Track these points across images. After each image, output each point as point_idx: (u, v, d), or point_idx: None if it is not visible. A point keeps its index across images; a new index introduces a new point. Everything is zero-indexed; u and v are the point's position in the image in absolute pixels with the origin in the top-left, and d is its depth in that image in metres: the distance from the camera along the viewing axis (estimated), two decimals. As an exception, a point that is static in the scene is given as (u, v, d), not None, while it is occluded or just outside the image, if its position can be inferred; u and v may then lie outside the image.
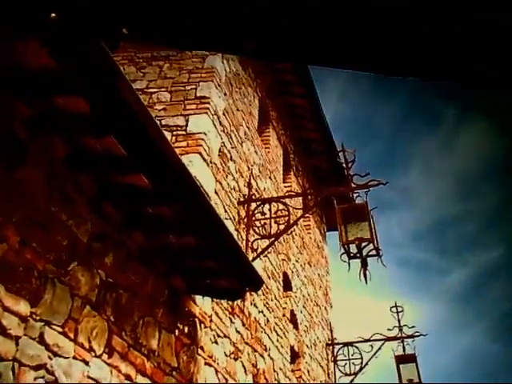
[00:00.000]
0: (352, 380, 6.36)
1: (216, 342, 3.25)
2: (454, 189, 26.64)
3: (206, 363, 3.04)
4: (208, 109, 3.70)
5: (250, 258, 3.61)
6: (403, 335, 6.53)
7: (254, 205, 4.26)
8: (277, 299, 4.81)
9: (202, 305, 3.11)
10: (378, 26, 0.78)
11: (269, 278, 4.61)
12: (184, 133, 3.51)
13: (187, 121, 3.60)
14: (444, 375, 21.40)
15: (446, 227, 26.63)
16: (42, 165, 1.90)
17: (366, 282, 3.60)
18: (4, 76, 1.68)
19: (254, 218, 4.15)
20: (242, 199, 4.20)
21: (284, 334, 4.88)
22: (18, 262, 1.70)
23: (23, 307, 1.68)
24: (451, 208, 26.49)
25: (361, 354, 6.40)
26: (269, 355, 4.31)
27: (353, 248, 3.77)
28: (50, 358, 1.78)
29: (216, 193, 3.60)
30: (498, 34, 0.75)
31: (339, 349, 6.68)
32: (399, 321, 6.70)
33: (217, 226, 2.43)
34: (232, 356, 3.49)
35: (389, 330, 6.59)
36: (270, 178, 5.35)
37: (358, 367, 6.37)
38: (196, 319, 3.00)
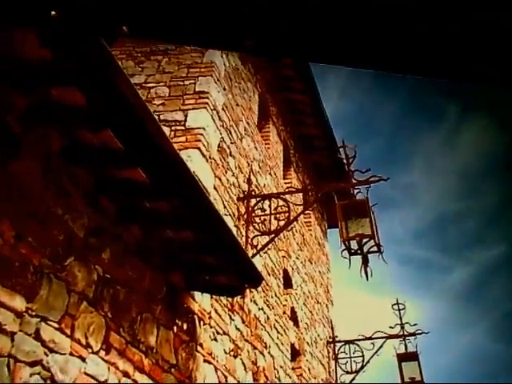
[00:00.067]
0: (353, 378, 6.34)
1: (215, 339, 3.23)
2: (456, 186, 26.62)
3: (205, 360, 3.02)
4: (207, 104, 3.67)
5: (250, 255, 3.58)
6: (405, 333, 6.50)
7: (253, 201, 4.24)
8: (277, 296, 4.79)
9: (201, 301, 3.08)
10: (378, 26, 0.78)
11: (269, 274, 4.58)
12: (183, 128, 3.48)
13: (186, 116, 3.57)
14: (445, 374, 21.40)
15: (448, 225, 26.62)
16: (37, 158, 1.88)
17: (367, 279, 3.58)
18: (1, 67, 1.65)
19: (253, 214, 4.12)
20: (241, 195, 4.17)
21: (284, 331, 4.86)
22: (13, 256, 1.68)
23: (19, 303, 1.66)
24: (453, 205, 26.49)
25: (362, 351, 6.38)
26: (269, 353, 4.28)
27: (354, 244, 3.75)
28: (46, 355, 1.76)
29: (215, 188, 3.57)
30: (498, 34, 0.75)
31: (340, 346, 6.67)
32: (401, 318, 6.68)
33: (215, 221, 2.40)
34: (232, 353, 3.47)
35: (390, 327, 6.58)
36: (270, 174, 5.33)
37: (359, 365, 6.35)
38: (195, 316, 2.98)
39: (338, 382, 6.42)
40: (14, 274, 1.66)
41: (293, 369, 5.01)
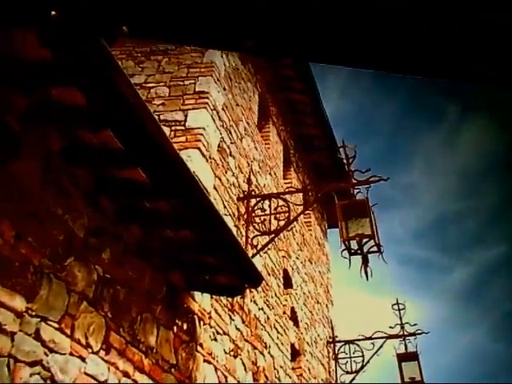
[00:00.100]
0: (353, 378, 6.33)
1: (215, 339, 3.23)
2: (456, 186, 26.62)
3: (205, 360, 3.01)
4: (207, 104, 3.67)
5: (250, 255, 3.58)
6: (405, 333, 6.50)
7: (253, 201, 4.23)
8: (277, 296, 4.78)
9: (201, 301, 3.08)
10: (378, 26, 0.78)
11: (269, 274, 4.58)
12: (183, 128, 3.48)
13: (186, 116, 3.57)
14: (445, 374, 21.38)
15: (448, 225, 26.62)
16: (37, 158, 1.88)
17: (367, 279, 3.58)
18: (1, 67, 1.65)
19: (253, 214, 4.12)
20: (241, 195, 4.17)
21: (284, 331, 4.85)
22: (13, 256, 1.68)
23: (19, 303, 1.66)
24: (453, 205, 26.48)
25: (362, 351, 6.38)
26: (269, 353, 4.28)
27: (354, 244, 3.75)
28: (46, 355, 1.75)
29: (215, 188, 3.57)
30: (498, 34, 0.75)
31: (340, 346, 6.66)
32: (401, 318, 6.67)
33: (215, 221, 2.40)
34: (232, 353, 3.47)
35: (390, 327, 6.57)
36: (270, 174, 5.33)
37: (359, 365, 6.35)
38: (195, 316, 2.98)
39: (338, 382, 6.41)
40: (13, 273, 1.66)
41: (293, 369, 5.01)
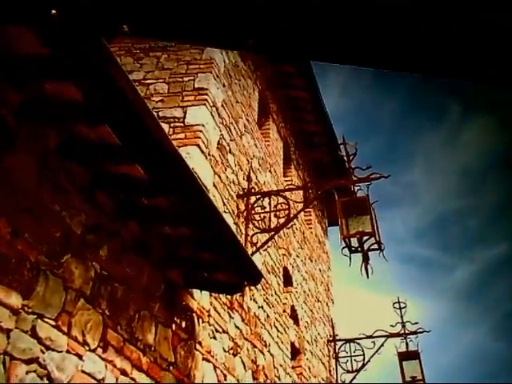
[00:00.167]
0: (354, 377, 6.31)
1: (214, 338, 3.21)
2: (457, 185, 26.59)
3: (204, 359, 3.00)
4: (206, 100, 3.65)
5: (250, 252, 3.56)
6: (406, 331, 6.48)
7: (253, 198, 4.22)
8: (277, 294, 4.77)
9: (200, 299, 3.06)
10: (378, 25, 0.78)
11: (269, 272, 4.56)
12: (182, 125, 3.46)
13: (185, 112, 3.55)
14: (446, 373, 21.35)
15: (449, 223, 26.60)
16: (32, 153, 1.86)
17: (368, 277, 3.56)
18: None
19: (253, 212, 4.10)
20: (241, 192, 4.15)
21: (284, 329, 4.84)
22: (9, 253, 1.66)
23: (15, 299, 1.65)
24: (454, 204, 26.46)
25: (363, 350, 6.35)
26: (269, 351, 4.26)
27: (354, 242, 3.73)
28: (43, 352, 1.74)
29: (214, 186, 3.55)
30: (498, 34, 0.75)
31: (341, 345, 6.64)
32: (402, 317, 6.65)
33: (214, 218, 2.38)
34: (231, 352, 3.45)
35: (391, 326, 6.55)
36: (269, 171, 5.31)
37: (360, 364, 6.32)
38: (194, 314, 2.96)
39: (339, 381, 6.39)
40: (10, 270, 1.65)
41: (293, 367, 4.99)
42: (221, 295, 3.36)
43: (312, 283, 6.35)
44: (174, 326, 2.71)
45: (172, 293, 2.74)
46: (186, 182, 2.16)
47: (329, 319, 6.98)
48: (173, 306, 2.73)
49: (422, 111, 25.18)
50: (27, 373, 1.66)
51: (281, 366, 4.54)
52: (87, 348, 1.97)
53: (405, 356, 6.29)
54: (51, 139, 1.95)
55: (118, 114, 1.82)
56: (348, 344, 6.56)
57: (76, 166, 2.07)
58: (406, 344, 6.41)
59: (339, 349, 6.62)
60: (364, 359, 6.30)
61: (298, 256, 5.80)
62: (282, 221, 3.99)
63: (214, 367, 3.14)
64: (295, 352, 5.16)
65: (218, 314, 3.33)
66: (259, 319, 4.15)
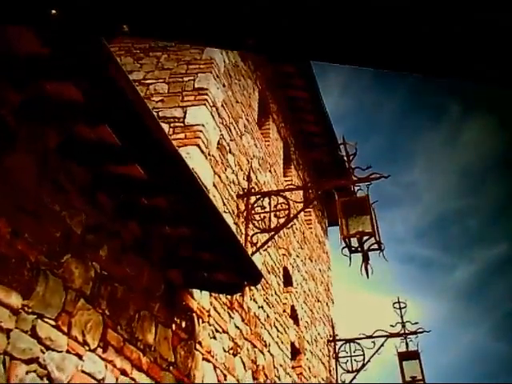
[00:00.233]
0: (354, 377, 6.31)
1: (214, 338, 3.21)
2: (458, 185, 26.58)
3: (204, 359, 3.00)
4: (206, 100, 3.65)
5: (250, 252, 3.56)
6: (406, 331, 6.47)
7: (253, 198, 4.21)
8: (277, 294, 4.76)
9: (200, 299, 3.06)
10: (378, 26, 0.78)
11: (269, 272, 4.56)
12: (182, 125, 3.46)
13: (185, 112, 3.55)
14: (446, 374, 21.34)
15: (450, 223, 26.59)
16: (33, 153, 1.86)
17: (368, 277, 3.56)
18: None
19: (253, 212, 4.10)
20: (241, 192, 4.15)
21: (284, 329, 4.83)
22: (9, 253, 1.66)
23: (15, 299, 1.64)
24: (454, 204, 26.45)
25: (363, 350, 6.35)
26: (269, 351, 4.26)
27: (354, 242, 3.72)
28: (43, 352, 1.74)
29: (214, 186, 3.55)
30: (498, 34, 0.75)
31: (341, 345, 6.64)
32: (402, 317, 6.64)
33: (214, 217, 2.38)
34: (231, 352, 3.45)
35: (391, 326, 6.54)
36: (269, 171, 5.30)
37: (360, 364, 6.32)
38: (194, 314, 2.96)
39: (339, 381, 6.39)
40: (10, 270, 1.65)
41: (293, 367, 4.99)
42: (221, 295, 3.36)
43: (312, 283, 6.35)
44: (173, 326, 2.71)
45: (172, 293, 2.74)
46: (186, 182, 2.16)
47: (329, 319, 6.98)
48: (173, 305, 2.73)
49: (422, 111, 25.18)
50: (27, 373, 1.66)
51: (281, 366, 4.53)
52: (87, 348, 1.97)
53: (405, 356, 6.28)
54: (51, 139, 1.95)
55: (118, 114, 1.82)
56: (348, 344, 6.56)
57: (76, 166, 2.07)
58: (406, 344, 6.40)
59: (339, 349, 6.61)
60: (364, 359, 6.30)
61: (298, 256, 5.80)
62: (281, 221, 3.99)
63: (214, 367, 3.14)
64: (295, 352, 5.15)
65: (218, 314, 3.33)
66: (259, 319, 4.14)
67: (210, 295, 3.21)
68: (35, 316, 1.72)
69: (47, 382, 1.74)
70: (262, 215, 4.21)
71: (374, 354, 6.26)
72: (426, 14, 0.75)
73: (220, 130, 3.89)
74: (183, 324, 2.82)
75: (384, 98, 25.08)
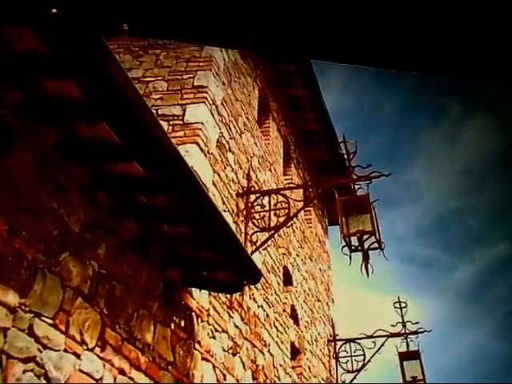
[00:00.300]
0: (354, 377, 6.29)
1: (214, 337, 3.19)
2: (458, 184, 26.58)
3: (203, 358, 2.98)
4: (206, 98, 3.64)
5: (249, 251, 3.55)
6: (407, 331, 6.46)
7: (253, 197, 4.20)
8: (277, 294, 4.75)
9: (199, 298, 3.05)
10: (378, 25, 0.78)
11: (268, 272, 4.54)
12: (181, 122, 3.45)
13: (184, 110, 3.53)
14: (447, 374, 21.33)
15: (450, 223, 26.59)
16: (32, 151, 1.85)
17: (368, 276, 3.54)
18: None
19: (253, 211, 4.08)
20: (240, 191, 4.13)
21: (284, 329, 4.82)
22: (6, 251, 1.65)
23: (12, 298, 1.63)
24: (454, 203, 26.44)
25: (363, 350, 6.33)
26: (268, 351, 4.24)
27: (354, 241, 3.71)
28: (40, 351, 1.73)
29: (214, 184, 3.53)
30: (498, 34, 0.75)
31: (341, 345, 6.62)
32: (403, 317, 6.63)
33: (213, 216, 2.37)
34: (230, 351, 3.43)
35: (392, 326, 6.53)
36: (269, 170, 5.29)
37: (360, 364, 6.30)
38: (193, 313, 2.94)
39: (339, 381, 6.38)
40: (7, 268, 1.64)
41: (293, 367, 4.97)
42: (220, 294, 3.34)
43: (312, 283, 6.33)
44: (172, 325, 2.69)
45: (171, 292, 2.72)
46: (185, 180, 2.14)
47: (329, 319, 6.96)
48: (172, 305, 2.71)
49: (422, 110, 25.16)
50: (24, 372, 1.64)
51: (281, 365, 4.52)
52: (85, 347, 1.95)
53: (405, 356, 6.27)
54: (51, 137, 1.94)
55: (117, 112, 1.81)
56: (348, 344, 6.54)
57: (75, 165, 2.06)
58: (407, 344, 6.39)
59: (339, 349, 6.60)
60: (364, 359, 6.28)
61: (298, 255, 5.79)
62: (281, 220, 3.97)
63: (214, 367, 3.12)
64: (295, 352, 5.14)
65: (218, 313, 3.31)
66: (259, 319, 4.13)
67: (210, 294, 3.20)
68: (32, 315, 1.71)
69: (44, 381, 1.73)
70: (262, 214, 4.19)
71: (375, 353, 6.25)
72: (426, 14, 0.76)
73: (219, 128, 3.87)
74: (182, 323, 2.80)
75: (385, 97, 25.06)
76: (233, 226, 3.59)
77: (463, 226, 25.82)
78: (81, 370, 1.91)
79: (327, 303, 7.08)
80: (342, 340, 6.69)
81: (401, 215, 25.59)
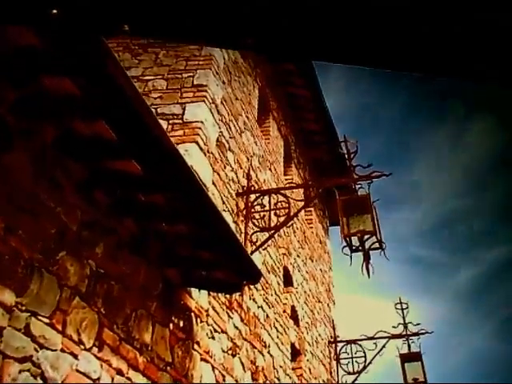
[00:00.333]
0: (355, 379, 6.27)
1: (213, 338, 3.17)
2: (460, 185, 26.55)
3: (202, 359, 2.96)
4: (205, 97, 3.62)
5: (249, 251, 3.53)
6: (408, 333, 6.43)
7: (253, 196, 4.18)
8: (277, 294, 4.72)
9: (198, 298, 3.02)
10: (378, 26, 0.79)
11: (268, 272, 4.52)
12: (180, 121, 3.43)
13: (184, 109, 3.52)
14: (449, 375, 21.28)
15: (452, 224, 26.53)
16: (30, 149, 1.84)
17: (369, 276, 3.52)
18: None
19: (253, 210, 4.06)
20: (240, 190, 4.11)
21: (284, 330, 4.79)
22: (2, 250, 1.64)
23: (8, 297, 1.62)
24: (456, 205, 26.40)
25: (364, 352, 6.31)
26: (268, 352, 4.22)
27: (355, 241, 3.69)
28: (37, 351, 1.71)
29: (213, 183, 3.51)
30: (498, 34, 0.75)
31: (342, 346, 6.60)
32: (404, 318, 6.60)
33: (213, 215, 2.35)
34: (230, 352, 3.41)
35: (393, 327, 6.50)
36: (269, 169, 5.27)
37: (361, 366, 6.28)
38: (192, 313, 2.92)
39: (340, 382, 6.35)
40: (3, 267, 1.62)
41: (293, 369, 4.95)
42: (219, 294, 3.32)
43: (313, 283, 6.31)
44: (171, 325, 2.67)
45: (170, 292, 2.70)
46: (184, 179, 2.13)
47: (330, 320, 6.94)
48: (170, 305, 2.69)
49: (424, 111, 25.12)
50: (20, 372, 1.63)
51: (281, 367, 4.49)
52: (82, 347, 1.94)
53: (407, 357, 6.24)
54: (48, 135, 1.93)
55: (117, 111, 1.80)
56: (349, 345, 6.52)
57: (73, 162, 2.05)
58: (408, 345, 6.36)
59: (340, 350, 6.57)
60: (365, 361, 6.26)
61: (298, 256, 5.76)
62: (282, 219, 3.95)
63: (213, 368, 3.10)
64: (295, 353, 5.11)
65: (217, 313, 3.29)
66: (259, 319, 4.10)
67: (209, 294, 3.18)
68: (29, 314, 1.69)
69: (41, 381, 1.71)
70: (262, 214, 4.17)
71: (376, 355, 6.22)
72: (426, 14, 0.76)
73: (219, 127, 3.85)
74: (181, 323, 2.78)
75: (386, 97, 25.03)
76: (232, 226, 3.57)
77: (466, 228, 25.79)
78: (78, 370, 1.90)
79: (328, 304, 7.05)
80: (343, 341, 6.66)
81: (402, 217, 25.56)
